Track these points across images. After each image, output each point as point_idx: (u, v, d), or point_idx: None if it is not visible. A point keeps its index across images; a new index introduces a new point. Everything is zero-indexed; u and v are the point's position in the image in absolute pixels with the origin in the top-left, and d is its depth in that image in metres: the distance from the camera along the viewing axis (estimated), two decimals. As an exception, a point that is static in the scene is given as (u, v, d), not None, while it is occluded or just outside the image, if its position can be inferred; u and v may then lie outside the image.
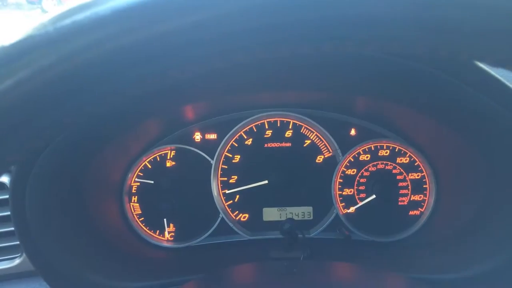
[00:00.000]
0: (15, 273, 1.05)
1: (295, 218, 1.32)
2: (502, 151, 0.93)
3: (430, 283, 1.00)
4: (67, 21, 0.31)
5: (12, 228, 1.03)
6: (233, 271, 0.91)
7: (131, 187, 1.31)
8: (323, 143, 1.32)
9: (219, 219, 1.32)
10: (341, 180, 1.32)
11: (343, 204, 1.32)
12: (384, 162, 1.31)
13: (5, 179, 1.03)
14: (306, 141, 1.33)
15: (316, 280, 0.81)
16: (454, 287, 0.96)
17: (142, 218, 1.32)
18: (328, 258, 1.13)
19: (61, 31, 0.31)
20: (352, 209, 1.31)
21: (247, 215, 1.34)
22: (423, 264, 1.10)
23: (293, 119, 1.33)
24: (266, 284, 0.81)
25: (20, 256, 1.06)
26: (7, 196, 1.01)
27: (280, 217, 1.33)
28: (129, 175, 1.30)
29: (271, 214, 1.33)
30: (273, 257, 1.08)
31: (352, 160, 1.32)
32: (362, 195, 1.32)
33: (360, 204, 1.30)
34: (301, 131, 1.33)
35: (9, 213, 0.98)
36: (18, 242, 1.05)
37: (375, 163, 1.31)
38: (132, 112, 1.03)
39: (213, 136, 1.33)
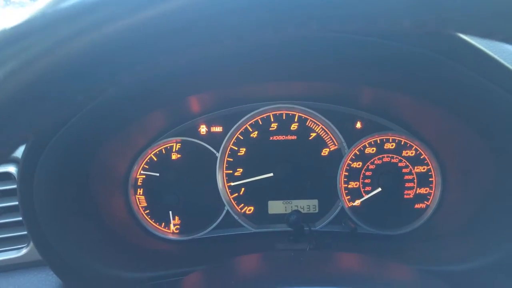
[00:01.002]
0: (21, 263, 1.06)
1: (301, 211, 1.32)
2: (508, 144, 0.93)
3: (436, 275, 0.99)
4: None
5: (19, 218, 1.04)
6: (237, 261, 0.91)
7: (136, 179, 1.32)
8: (329, 136, 1.32)
9: (224, 212, 1.32)
10: (347, 173, 1.32)
11: (349, 197, 1.32)
12: (390, 155, 1.31)
13: (13, 169, 1.04)
14: (311, 134, 1.33)
15: (322, 268, 0.81)
16: (460, 279, 0.95)
17: (148, 211, 1.32)
18: (334, 251, 1.12)
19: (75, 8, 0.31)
20: (357, 202, 1.31)
21: (252, 208, 1.34)
22: (428, 256, 1.09)
23: (298, 112, 1.32)
24: (273, 272, 0.81)
25: (26, 246, 1.07)
26: (14, 186, 1.02)
27: (286, 210, 1.32)
28: (135, 167, 1.31)
29: (276, 207, 1.33)
30: (279, 249, 1.08)
31: (358, 153, 1.31)
32: (367, 188, 1.31)
33: (366, 197, 1.30)
34: (307, 124, 1.32)
35: (15, 203, 0.98)
36: (24, 232, 1.05)
37: (380, 156, 1.31)
38: (138, 102, 1.03)
39: (218, 129, 1.33)
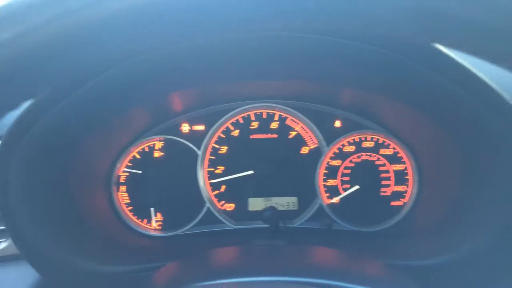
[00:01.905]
0: (1, 256, 1.07)
1: (280, 208, 1.34)
2: (478, 145, 0.95)
3: (407, 269, 1.01)
4: None
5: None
6: (210, 255, 0.93)
7: (119, 176, 1.34)
8: (308, 135, 1.34)
9: (205, 209, 1.35)
10: (326, 171, 1.34)
11: (327, 194, 1.34)
12: (368, 153, 1.33)
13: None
14: (291, 132, 1.35)
15: (293, 261, 0.83)
16: (429, 273, 0.98)
17: (130, 207, 1.35)
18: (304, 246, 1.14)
19: None
20: (336, 199, 1.33)
21: (233, 205, 1.37)
22: (402, 252, 1.12)
23: (279, 111, 1.35)
24: (238, 264, 0.83)
25: (5, 240, 1.09)
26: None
27: (265, 207, 1.34)
28: (118, 165, 1.33)
29: (256, 204, 1.36)
30: (254, 245, 1.10)
31: (337, 151, 1.34)
32: (346, 186, 1.34)
33: (344, 194, 1.32)
34: (287, 122, 1.35)
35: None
36: (3, 227, 1.07)
37: (359, 154, 1.33)
38: (119, 99, 1.05)
39: (200, 127, 1.36)
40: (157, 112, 1.32)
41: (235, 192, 1.36)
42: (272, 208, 1.19)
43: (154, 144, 1.36)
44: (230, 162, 1.36)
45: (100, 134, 1.18)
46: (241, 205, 1.36)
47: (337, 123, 1.34)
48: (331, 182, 1.34)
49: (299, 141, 1.35)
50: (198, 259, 0.89)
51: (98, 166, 1.29)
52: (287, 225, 1.31)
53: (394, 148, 1.32)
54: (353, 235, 1.30)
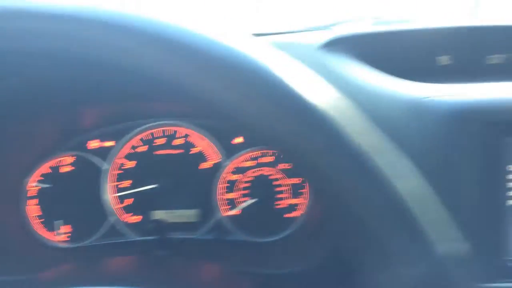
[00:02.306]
0: None
1: (182, 220, 1.40)
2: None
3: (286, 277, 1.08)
4: None
5: None
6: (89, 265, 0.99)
7: (28, 190, 1.40)
8: (210, 150, 1.41)
9: (110, 221, 1.40)
10: (226, 185, 1.40)
11: (227, 207, 1.40)
12: (268, 168, 1.40)
13: None
14: (194, 148, 1.42)
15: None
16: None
17: (40, 220, 1.40)
18: (199, 258, 1.20)
19: None
20: (234, 212, 1.39)
21: (137, 218, 1.42)
22: (285, 261, 1.18)
23: (183, 128, 1.42)
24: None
25: None
26: None
27: (167, 220, 1.40)
28: (27, 178, 1.39)
29: (159, 216, 1.41)
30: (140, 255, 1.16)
31: (237, 166, 1.40)
32: (245, 199, 1.40)
33: (241, 206, 1.38)
34: (191, 139, 1.42)
35: None
36: None
37: (259, 168, 1.40)
38: (25, 109, 1.12)
39: (108, 143, 1.42)
40: (65, 129, 1.39)
41: (140, 205, 1.42)
42: (156, 220, 1.25)
43: (64, 159, 1.42)
44: (137, 177, 1.42)
45: (8, 146, 1.24)
46: (145, 217, 1.42)
47: (238, 139, 1.41)
48: (230, 195, 1.40)
49: (201, 156, 1.42)
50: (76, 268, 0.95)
51: (6, 179, 1.35)
52: (187, 236, 1.37)
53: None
54: (249, 246, 1.36)
